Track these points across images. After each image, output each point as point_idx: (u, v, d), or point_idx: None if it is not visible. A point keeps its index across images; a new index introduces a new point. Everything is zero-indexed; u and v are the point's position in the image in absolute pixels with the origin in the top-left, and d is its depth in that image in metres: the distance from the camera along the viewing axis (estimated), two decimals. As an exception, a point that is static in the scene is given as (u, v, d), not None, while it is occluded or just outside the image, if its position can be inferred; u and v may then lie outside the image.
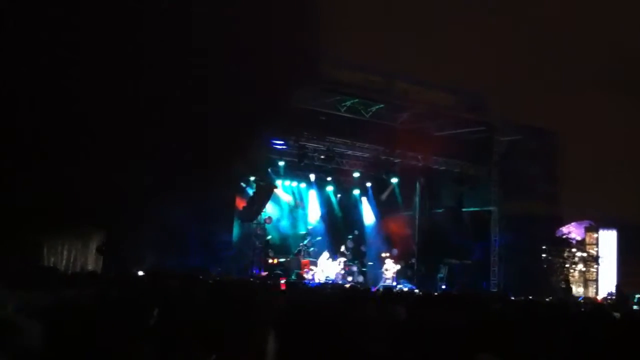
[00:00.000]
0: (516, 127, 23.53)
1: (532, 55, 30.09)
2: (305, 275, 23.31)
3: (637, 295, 20.86)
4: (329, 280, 23.22)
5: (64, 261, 18.15)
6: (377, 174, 25.38)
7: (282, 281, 20.43)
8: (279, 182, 24.73)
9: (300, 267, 24.12)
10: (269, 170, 23.52)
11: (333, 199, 27.34)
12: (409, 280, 25.41)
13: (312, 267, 24.15)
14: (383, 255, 25.68)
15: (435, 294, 18.48)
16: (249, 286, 11.82)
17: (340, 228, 26.88)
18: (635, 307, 18.97)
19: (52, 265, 17.21)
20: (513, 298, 16.42)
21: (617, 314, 9.00)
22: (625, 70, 28.74)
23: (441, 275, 24.50)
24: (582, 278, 27.74)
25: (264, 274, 22.45)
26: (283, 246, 25.47)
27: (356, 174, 25.83)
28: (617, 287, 23.78)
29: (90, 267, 17.08)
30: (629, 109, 29.11)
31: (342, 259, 24.44)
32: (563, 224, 27.42)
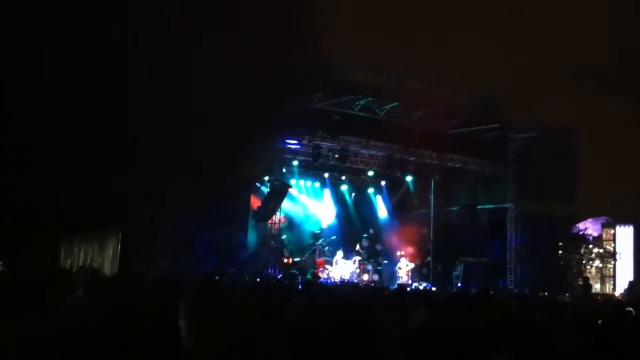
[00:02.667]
0: (532, 124, 23.38)
1: (549, 54, 29.89)
2: (320, 275, 23.30)
3: None
4: (344, 279, 23.21)
5: (80, 263, 18.21)
6: (391, 173, 25.29)
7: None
8: (293, 182, 24.73)
9: (315, 266, 24.14)
10: (284, 170, 23.51)
11: (348, 198, 27.34)
12: (425, 278, 25.35)
13: (327, 266, 24.16)
14: (398, 253, 25.65)
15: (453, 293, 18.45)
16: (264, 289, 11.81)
17: (355, 227, 26.89)
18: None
19: (68, 267, 17.30)
20: (530, 296, 16.32)
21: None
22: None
23: (457, 273, 24.38)
24: (599, 274, 27.56)
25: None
26: (298, 246, 25.51)
27: (370, 173, 25.78)
28: (630, 283, 23.67)
29: (106, 270, 17.14)
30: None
31: (357, 258, 24.45)
32: (579, 221, 27.23)
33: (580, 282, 23.78)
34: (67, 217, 14.14)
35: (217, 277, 15.50)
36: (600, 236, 27.77)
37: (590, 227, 27.61)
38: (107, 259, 17.81)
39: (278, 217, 23.75)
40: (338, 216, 26.98)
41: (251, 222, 23.02)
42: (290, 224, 25.76)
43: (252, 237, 22.99)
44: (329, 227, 26.42)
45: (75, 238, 17.86)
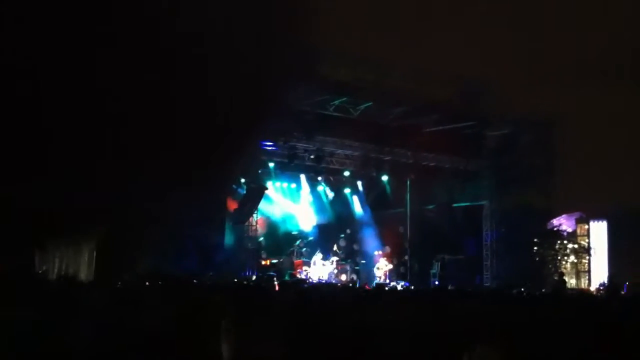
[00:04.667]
0: (507, 120, 23.57)
1: (522, 47, 30.11)
2: (298, 276, 23.27)
3: (626, 283, 21.02)
4: (322, 280, 23.22)
5: (56, 269, 17.96)
6: (367, 172, 25.36)
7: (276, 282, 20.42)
8: (269, 184, 24.67)
9: (293, 267, 24.14)
10: (260, 171, 23.44)
11: (324, 198, 27.34)
12: (402, 277, 25.44)
13: (305, 267, 24.16)
14: (376, 253, 25.72)
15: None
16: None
17: (332, 227, 26.90)
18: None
19: (44, 273, 17.06)
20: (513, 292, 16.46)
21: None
22: (617, 61, 28.86)
23: (434, 271, 24.52)
24: (574, 269, 27.80)
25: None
26: (275, 247, 25.46)
27: (346, 173, 25.79)
28: (610, 276, 23.93)
29: (82, 275, 16.93)
30: (617, 101, 29.23)
31: (335, 258, 24.47)
32: (554, 217, 27.49)
33: (555, 278, 23.98)
34: (42, 223, 13.95)
35: (195, 281, 15.41)
36: (574, 232, 27.99)
37: (564, 223, 27.83)
38: (82, 264, 17.59)
39: (255, 219, 23.70)
40: (315, 217, 26.98)
41: (228, 225, 22.93)
42: (268, 225, 25.71)
43: (229, 239, 22.89)
44: (306, 228, 26.41)
45: (51, 243, 17.62)
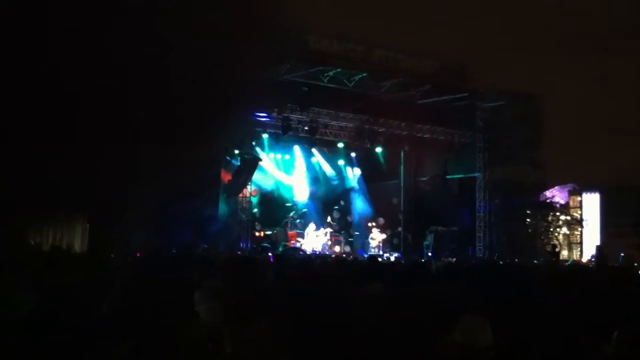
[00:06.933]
0: (499, 92, 23.51)
1: (514, 17, 29.89)
2: (292, 247, 23.34)
3: (621, 254, 21.18)
4: (316, 251, 23.31)
5: (50, 240, 17.99)
6: (361, 144, 25.33)
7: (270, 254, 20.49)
8: (263, 155, 24.62)
9: (287, 239, 24.20)
10: (254, 143, 23.38)
11: (318, 170, 27.32)
12: (396, 248, 25.57)
13: (299, 238, 24.21)
14: (369, 224, 25.80)
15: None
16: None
17: (326, 199, 26.92)
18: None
19: (36, 246, 17.07)
20: (500, 262, 16.59)
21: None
22: (607, 32, 28.73)
23: (427, 242, 24.63)
24: (566, 241, 27.98)
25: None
26: (270, 219, 25.48)
27: (340, 145, 25.74)
28: (598, 247, 24.09)
29: (77, 248, 16.96)
30: (610, 72, 29.17)
31: (329, 230, 24.52)
32: (547, 188, 27.60)
33: (548, 249, 24.16)
34: (34, 198, 13.94)
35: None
36: (567, 203, 28.15)
37: (557, 195, 27.97)
38: (77, 237, 17.61)
39: (249, 190, 23.71)
40: (309, 188, 26.99)
41: (222, 196, 22.92)
42: (262, 197, 25.71)
43: (223, 210, 22.89)
44: (300, 199, 26.43)
45: (43, 217, 17.60)
